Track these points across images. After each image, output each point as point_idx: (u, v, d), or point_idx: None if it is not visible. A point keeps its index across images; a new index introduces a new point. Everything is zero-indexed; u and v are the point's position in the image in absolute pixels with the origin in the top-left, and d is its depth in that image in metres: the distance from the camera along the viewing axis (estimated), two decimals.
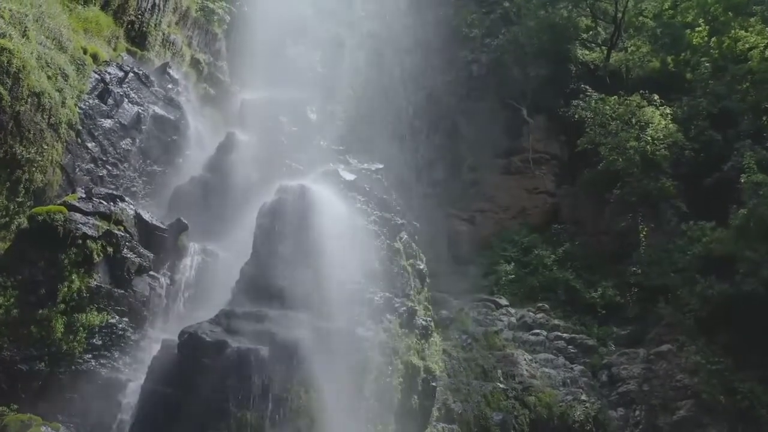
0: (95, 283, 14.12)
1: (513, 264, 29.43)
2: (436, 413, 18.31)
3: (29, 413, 12.14)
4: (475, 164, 34.36)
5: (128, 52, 20.43)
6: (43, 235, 13.86)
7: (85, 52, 18.08)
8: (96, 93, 18.14)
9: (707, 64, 32.31)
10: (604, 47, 36.40)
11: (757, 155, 25.60)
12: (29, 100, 15.25)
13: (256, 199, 16.60)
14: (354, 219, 16.61)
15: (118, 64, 19.30)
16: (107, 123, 18.09)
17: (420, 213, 23.65)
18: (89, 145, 17.40)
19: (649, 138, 28.62)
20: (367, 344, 14.90)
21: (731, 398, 21.48)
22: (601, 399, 22.24)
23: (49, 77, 16.12)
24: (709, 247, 24.51)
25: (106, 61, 18.93)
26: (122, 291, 14.53)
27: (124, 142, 18.37)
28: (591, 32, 37.65)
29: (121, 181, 17.94)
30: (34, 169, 15.36)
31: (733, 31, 32.35)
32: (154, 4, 21.41)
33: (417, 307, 17.96)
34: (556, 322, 25.71)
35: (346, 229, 15.96)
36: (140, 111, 19.04)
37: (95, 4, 19.78)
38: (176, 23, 23.13)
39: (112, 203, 15.28)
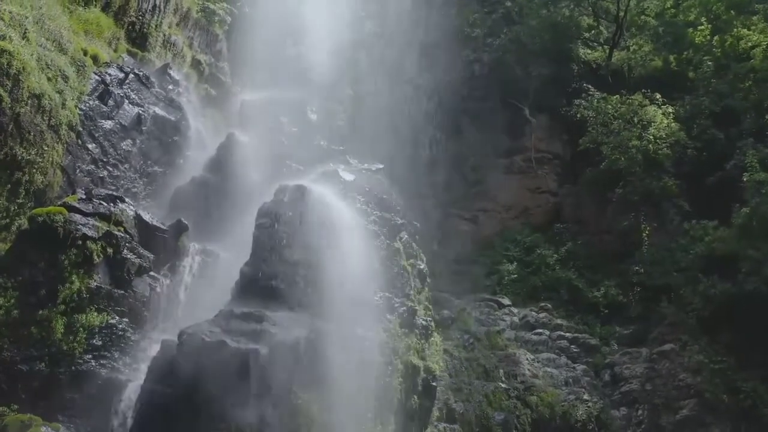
0: (95, 283, 14.15)
1: (515, 263, 29.45)
2: (438, 413, 18.31)
3: (29, 413, 12.19)
4: (478, 164, 34.35)
5: (129, 53, 20.46)
6: (43, 236, 13.90)
7: (85, 54, 18.11)
8: (96, 94, 18.16)
9: (709, 63, 32.22)
10: (606, 46, 36.34)
11: (760, 154, 25.49)
12: (29, 101, 15.27)
13: (256, 200, 16.57)
14: (353, 219, 16.59)
15: (118, 65, 19.32)
16: (108, 124, 18.11)
17: (422, 213, 23.61)
18: (90, 146, 17.43)
19: (651, 137, 28.58)
20: (366, 344, 14.90)
21: (734, 397, 21.47)
22: (603, 398, 22.24)
23: (49, 79, 16.15)
24: (712, 246, 24.47)
25: (106, 62, 18.96)
26: (122, 292, 14.55)
27: (124, 143, 18.39)
28: (593, 31, 37.56)
29: (122, 182, 17.96)
30: (34, 170, 15.39)
31: (735, 30, 32.28)
32: (154, 6, 21.42)
33: (417, 307, 17.96)
34: (559, 321, 25.71)
35: (346, 229, 15.94)
36: (141, 112, 19.05)
37: (96, 5, 19.81)
38: (177, 24, 23.16)
39: (112, 204, 15.29)
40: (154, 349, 13.50)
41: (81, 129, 17.17)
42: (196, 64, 23.62)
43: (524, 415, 20.66)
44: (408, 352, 16.62)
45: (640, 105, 29.73)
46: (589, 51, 36.60)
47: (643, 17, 36.58)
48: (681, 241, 26.41)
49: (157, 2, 21.52)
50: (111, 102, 18.42)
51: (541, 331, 25.00)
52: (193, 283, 16.28)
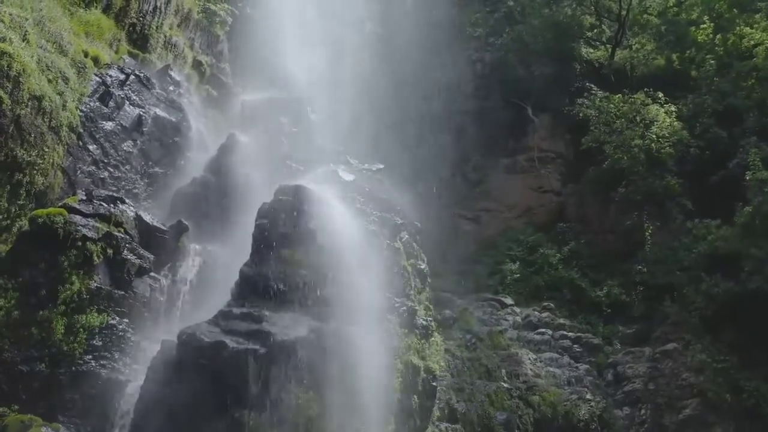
0: (95, 284, 14.22)
1: (518, 263, 29.39)
2: (439, 413, 18.29)
3: (30, 414, 12.30)
4: (480, 163, 34.37)
5: (130, 54, 20.50)
6: (43, 238, 14.00)
7: (86, 55, 18.15)
8: (97, 96, 18.19)
9: (712, 62, 32.12)
10: (608, 45, 36.28)
11: (763, 152, 25.43)
12: (30, 103, 15.32)
13: (257, 200, 16.58)
14: (353, 219, 16.60)
15: (119, 66, 19.37)
16: (108, 125, 18.15)
17: (424, 213, 23.58)
18: (90, 147, 17.47)
19: (653, 136, 28.52)
20: (366, 344, 14.86)
21: (737, 396, 21.39)
22: (606, 398, 22.16)
23: (49, 80, 16.20)
24: (715, 245, 24.37)
25: (107, 63, 19.01)
26: (122, 292, 14.61)
27: (125, 144, 18.43)
28: (595, 30, 37.54)
29: (123, 183, 17.99)
30: (35, 171, 15.43)
31: (738, 28, 32.10)
32: (155, 7, 21.46)
33: (417, 307, 17.94)
34: (562, 321, 25.66)
35: (345, 229, 15.95)
36: (141, 113, 19.09)
37: (97, 7, 19.84)
38: (178, 25, 23.21)
39: (112, 205, 15.36)
40: (154, 350, 13.52)
41: (82, 130, 17.21)
42: (197, 65, 23.65)
43: (526, 414, 20.59)
44: (408, 352, 16.61)
45: (643, 104, 29.68)
46: (592, 50, 36.58)
47: (645, 16, 36.48)
48: (684, 240, 26.29)
49: (158, 3, 21.55)
50: (112, 103, 18.45)
51: (543, 330, 24.94)
52: (193, 283, 16.30)
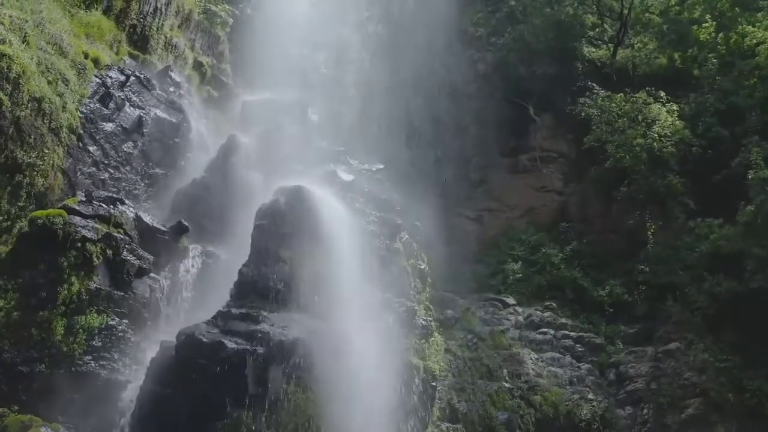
0: (95, 285, 14.24)
1: (520, 263, 29.35)
2: (440, 413, 18.27)
3: (29, 414, 12.30)
4: (482, 163, 34.30)
5: (130, 55, 20.52)
6: (42, 239, 14.00)
7: (86, 57, 18.16)
8: (97, 97, 18.18)
9: (714, 60, 31.99)
10: (610, 44, 36.15)
11: (765, 151, 25.27)
12: (29, 105, 15.35)
13: (256, 201, 16.65)
14: (352, 219, 16.60)
15: (119, 67, 19.37)
16: (109, 126, 18.16)
17: (426, 213, 23.56)
18: (91, 148, 17.49)
19: (655, 135, 28.40)
20: (365, 344, 14.87)
21: (740, 396, 21.29)
22: (608, 398, 22.09)
23: (49, 82, 16.23)
24: (717, 244, 24.27)
25: (107, 65, 18.99)
26: (122, 293, 14.63)
27: (125, 145, 18.45)
28: (597, 29, 37.43)
29: (123, 184, 18.01)
30: (35, 173, 15.46)
31: (740, 27, 32.01)
32: (156, 8, 21.47)
33: (417, 307, 17.94)
34: (564, 320, 25.61)
35: (344, 229, 15.96)
36: (142, 114, 19.10)
37: (97, 8, 19.86)
38: (179, 26, 23.22)
39: (111, 206, 15.38)
40: (154, 350, 13.59)
41: (82, 132, 17.21)
42: (197, 66, 23.67)
43: (528, 414, 20.55)
44: (407, 352, 16.62)
45: (645, 103, 29.60)
46: (594, 49, 36.47)
47: (647, 15, 36.36)
48: (686, 239, 26.20)
49: (159, 5, 21.57)
50: (112, 104, 18.45)
51: (545, 330, 24.89)
52: (193, 284, 16.34)
